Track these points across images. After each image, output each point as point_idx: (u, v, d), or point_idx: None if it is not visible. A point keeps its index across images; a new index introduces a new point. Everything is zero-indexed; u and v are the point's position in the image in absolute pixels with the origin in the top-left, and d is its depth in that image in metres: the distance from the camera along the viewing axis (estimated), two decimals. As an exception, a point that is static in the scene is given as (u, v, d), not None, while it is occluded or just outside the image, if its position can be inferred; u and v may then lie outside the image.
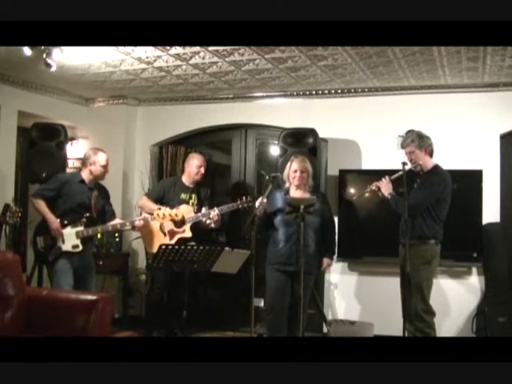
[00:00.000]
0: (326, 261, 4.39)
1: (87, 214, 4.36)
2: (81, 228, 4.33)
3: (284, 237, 4.23)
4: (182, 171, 5.23)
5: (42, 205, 4.34)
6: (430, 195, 4.08)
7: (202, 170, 5.04)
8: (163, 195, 4.97)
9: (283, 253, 4.21)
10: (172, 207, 4.78)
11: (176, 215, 4.50)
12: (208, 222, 4.81)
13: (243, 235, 5.00)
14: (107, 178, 4.67)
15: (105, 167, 4.49)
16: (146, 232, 4.93)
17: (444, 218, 4.15)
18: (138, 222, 4.53)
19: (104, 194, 4.62)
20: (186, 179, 5.05)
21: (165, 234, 4.83)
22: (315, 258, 4.25)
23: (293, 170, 4.29)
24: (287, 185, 4.34)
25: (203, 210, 4.96)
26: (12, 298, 3.26)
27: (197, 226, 4.86)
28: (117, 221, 4.60)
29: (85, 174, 4.47)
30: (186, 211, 4.87)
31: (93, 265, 4.56)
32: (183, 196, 4.96)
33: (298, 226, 4.04)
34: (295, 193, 4.29)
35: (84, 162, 4.52)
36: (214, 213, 4.76)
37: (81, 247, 4.33)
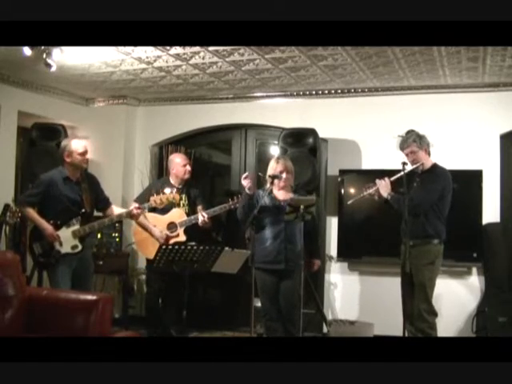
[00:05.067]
0: (317, 262, 4.45)
1: (83, 210, 4.18)
2: (77, 226, 4.15)
3: (271, 235, 4.18)
4: (168, 173, 5.16)
5: (30, 212, 4.14)
6: (432, 193, 4.07)
7: (188, 167, 5.00)
8: None
9: (271, 251, 4.16)
10: (163, 211, 4.79)
11: (173, 198, 4.34)
12: (201, 223, 4.82)
13: (242, 235, 5.00)
14: (107, 178, 4.65)
15: (83, 154, 4.18)
16: (140, 239, 4.90)
17: (446, 216, 4.15)
18: (136, 211, 4.27)
19: (93, 182, 4.37)
20: (174, 180, 4.99)
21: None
22: (301, 256, 4.18)
23: (278, 171, 4.22)
24: (268, 185, 4.24)
25: (199, 209, 4.95)
26: (12, 298, 3.26)
27: (191, 227, 4.84)
28: (113, 210, 4.39)
29: (67, 170, 4.21)
30: (177, 215, 4.86)
31: (92, 266, 4.43)
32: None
33: (286, 223, 4.08)
34: (278, 193, 4.27)
35: (61, 155, 4.21)
36: (205, 217, 4.76)
37: (80, 247, 4.17)
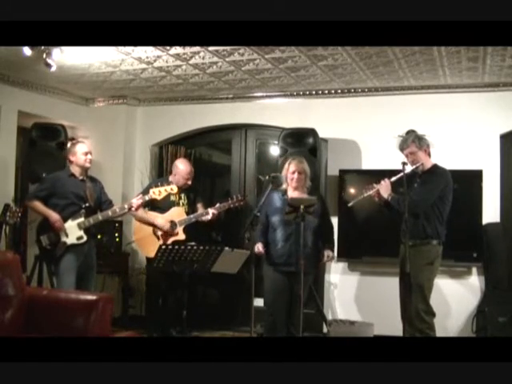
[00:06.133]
0: (326, 252, 4.27)
1: (86, 204, 4.36)
2: (81, 219, 4.33)
3: (283, 237, 4.18)
4: (168, 173, 5.19)
5: (38, 204, 4.35)
6: (432, 191, 4.06)
7: (189, 182, 5.02)
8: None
9: (282, 253, 4.17)
10: (163, 210, 4.83)
11: (172, 189, 4.45)
12: (204, 218, 4.88)
13: (242, 235, 5.02)
14: (107, 177, 4.66)
15: (86, 155, 4.44)
16: (140, 237, 4.92)
17: (446, 218, 4.14)
18: (137, 202, 4.43)
19: (97, 184, 4.59)
20: (174, 181, 4.98)
21: (158, 238, 4.82)
22: (313, 258, 4.23)
23: (291, 171, 4.24)
24: (284, 186, 4.28)
25: (199, 206, 5.01)
26: (12, 298, 3.26)
27: (191, 227, 4.87)
28: (115, 206, 4.52)
29: (72, 168, 4.46)
30: (177, 213, 4.87)
31: (95, 265, 4.53)
32: (173, 198, 4.93)
33: (297, 225, 4.00)
34: (293, 194, 4.25)
35: (67, 156, 4.53)
36: (211, 213, 4.81)
37: (85, 237, 4.32)
